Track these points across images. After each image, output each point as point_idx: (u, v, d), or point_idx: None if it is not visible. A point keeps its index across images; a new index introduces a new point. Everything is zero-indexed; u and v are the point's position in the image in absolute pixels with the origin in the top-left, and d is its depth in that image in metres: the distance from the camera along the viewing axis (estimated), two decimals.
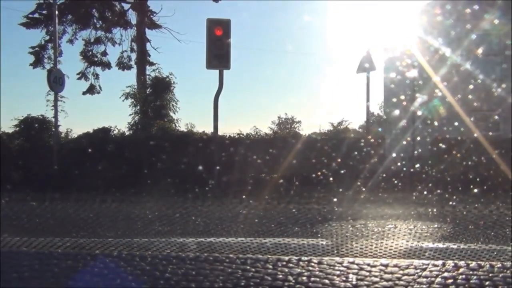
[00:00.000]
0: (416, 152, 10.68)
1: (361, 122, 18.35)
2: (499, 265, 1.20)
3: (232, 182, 8.59)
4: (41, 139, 13.00)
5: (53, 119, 12.53)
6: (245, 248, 1.51)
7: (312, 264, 1.23)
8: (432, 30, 12.25)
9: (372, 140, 10.26)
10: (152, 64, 20.41)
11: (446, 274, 1.17)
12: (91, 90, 21.89)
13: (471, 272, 1.17)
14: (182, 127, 18.18)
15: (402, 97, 12.95)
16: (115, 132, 14.25)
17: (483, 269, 1.18)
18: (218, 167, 9.15)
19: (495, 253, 1.44)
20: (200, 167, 8.90)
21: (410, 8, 13.59)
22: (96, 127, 13.91)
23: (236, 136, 12.25)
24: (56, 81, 12.03)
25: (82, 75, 21.71)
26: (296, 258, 1.26)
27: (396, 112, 13.05)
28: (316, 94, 41.46)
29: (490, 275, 1.16)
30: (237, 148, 10.33)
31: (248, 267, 1.22)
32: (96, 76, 21.92)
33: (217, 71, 9.56)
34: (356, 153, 9.34)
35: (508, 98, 11.80)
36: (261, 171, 9.21)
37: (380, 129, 12.94)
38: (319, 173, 7.92)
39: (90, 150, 10.53)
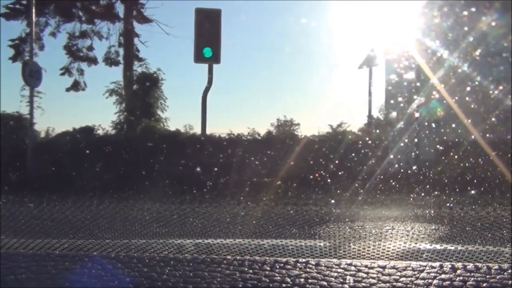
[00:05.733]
0: (414, 154, 10.69)
1: (360, 125, 18.29)
2: (497, 267, 1.20)
3: (219, 184, 8.31)
4: (16, 138, 12.11)
5: (29, 117, 11.50)
6: (242, 250, 1.51)
7: (310, 266, 1.23)
8: (430, 32, 12.29)
9: (370, 142, 10.25)
10: (141, 60, 19.54)
11: (443, 276, 1.17)
12: (76, 86, 20.75)
13: (468, 274, 1.17)
14: (180, 127, 17.79)
15: (402, 100, 12.97)
16: (99, 131, 13.60)
17: (481, 271, 1.18)
18: (199, 169, 8.72)
19: (493, 254, 1.44)
20: (186, 168, 8.61)
21: (408, 10, 13.64)
22: (79, 126, 13.36)
23: (226, 136, 11.67)
24: (32, 75, 11.06)
25: (66, 71, 20.55)
26: (294, 259, 1.27)
27: (395, 114, 13.08)
28: (315, 96, 41.40)
29: (488, 277, 1.16)
30: (226, 148, 9.95)
31: (246, 269, 1.22)
32: (81, 72, 20.77)
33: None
34: (353, 155, 9.21)
35: (506, 100, 11.83)
36: (250, 173, 8.90)
37: (377, 131, 12.92)
38: (314, 175, 7.80)
39: (68, 150, 10.05)
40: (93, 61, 20.70)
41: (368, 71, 17.23)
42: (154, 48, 32.51)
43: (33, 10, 12.56)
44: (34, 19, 13.11)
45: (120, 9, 19.90)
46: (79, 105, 33.40)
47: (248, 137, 11.79)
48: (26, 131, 12.01)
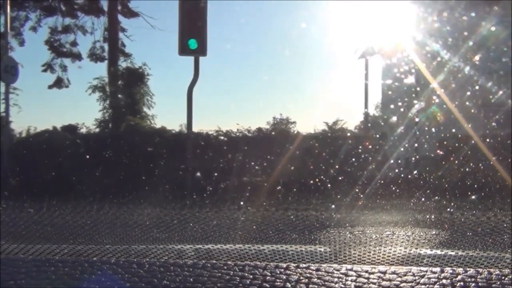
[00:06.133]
0: (414, 158, 10.68)
1: (357, 122, 18.04)
2: (498, 272, 1.20)
3: (203, 184, 7.84)
4: None
5: (4, 115, 10.81)
6: (243, 255, 1.50)
7: (310, 271, 1.23)
8: (429, 36, 12.32)
9: (370, 146, 10.18)
10: (127, 55, 18.62)
11: (444, 281, 1.17)
12: (59, 83, 19.65)
13: (469, 279, 1.17)
14: (175, 127, 16.94)
15: (401, 104, 13.00)
16: (82, 129, 12.97)
17: (481, 276, 1.18)
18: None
19: (494, 260, 1.44)
20: (171, 167, 8.31)
21: (406, 14, 13.69)
22: (62, 125, 12.78)
23: (214, 133, 10.91)
24: (7, 71, 10.46)
25: (48, 67, 19.45)
26: (294, 265, 1.26)
27: (394, 118, 13.09)
28: (311, 94, 41.03)
29: (489, 282, 1.16)
30: (214, 146, 9.49)
31: (246, 274, 1.22)
32: (64, 68, 19.63)
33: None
34: (348, 154, 8.89)
35: (506, 104, 11.85)
36: (240, 173, 8.42)
37: (377, 135, 12.88)
38: (306, 175, 7.56)
39: (46, 150, 9.61)
40: (77, 57, 19.68)
41: (364, 72, 17.37)
42: (141, 44, 31.27)
43: (8, 1, 11.92)
44: (9, 11, 12.33)
45: (104, 2, 18.91)
46: (62, 103, 31.35)
47: (238, 134, 11.05)
48: (1, 130, 11.30)
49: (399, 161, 9.79)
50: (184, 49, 8.29)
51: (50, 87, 19.64)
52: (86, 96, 16.22)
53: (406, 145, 10.48)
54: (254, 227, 2.77)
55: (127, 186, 7.05)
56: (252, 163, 8.64)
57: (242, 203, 5.37)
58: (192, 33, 8.20)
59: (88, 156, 9.51)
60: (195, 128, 10.52)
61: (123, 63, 17.93)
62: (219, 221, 2.99)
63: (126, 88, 15.49)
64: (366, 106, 17.60)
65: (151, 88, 16.30)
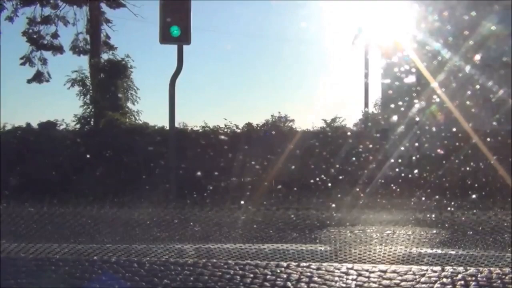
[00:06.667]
0: (414, 157, 10.67)
1: (355, 120, 17.86)
2: (498, 271, 1.20)
3: (188, 185, 7.44)
4: None
5: None
6: (243, 254, 1.50)
7: (311, 269, 1.23)
8: (430, 35, 12.32)
9: (370, 145, 10.14)
10: (112, 47, 17.60)
11: (444, 280, 1.17)
12: (38, 77, 18.50)
13: (469, 278, 1.17)
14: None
15: (400, 102, 12.98)
16: (62, 126, 12.05)
17: (482, 275, 1.18)
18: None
19: (494, 259, 1.44)
20: (151, 166, 8.05)
21: (407, 13, 13.69)
22: (39, 121, 11.87)
23: (200, 130, 10.26)
24: None
25: (27, 60, 18.32)
26: (295, 263, 1.26)
27: (395, 117, 13.08)
28: (311, 93, 40.74)
29: (489, 281, 1.16)
30: (200, 143, 9.01)
31: (247, 273, 1.22)
32: (44, 62, 18.47)
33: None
34: (343, 152, 8.64)
35: (506, 104, 11.84)
36: (227, 173, 7.93)
37: (377, 134, 12.86)
38: (299, 176, 7.40)
39: (17, 149, 9.17)
40: (58, 49, 18.47)
41: (364, 71, 17.38)
42: (125, 35, 30.00)
43: None
44: None
45: None
46: (43, 98, 29.66)
47: (226, 130, 10.31)
48: None
49: (400, 160, 9.77)
50: (165, 37, 7.58)
51: (29, 81, 18.69)
52: (68, 91, 15.42)
53: (407, 144, 10.45)
54: (254, 226, 2.76)
55: (107, 185, 6.85)
56: (243, 161, 8.22)
57: (233, 202, 5.27)
58: (175, 20, 7.53)
59: (62, 156, 9.06)
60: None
61: (105, 55, 17.01)
62: (214, 220, 2.98)
63: (108, 82, 14.41)
64: (366, 105, 17.60)
65: (136, 82, 15.44)
